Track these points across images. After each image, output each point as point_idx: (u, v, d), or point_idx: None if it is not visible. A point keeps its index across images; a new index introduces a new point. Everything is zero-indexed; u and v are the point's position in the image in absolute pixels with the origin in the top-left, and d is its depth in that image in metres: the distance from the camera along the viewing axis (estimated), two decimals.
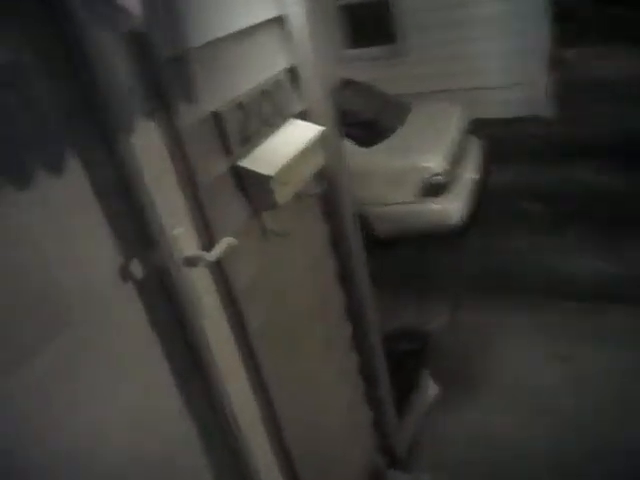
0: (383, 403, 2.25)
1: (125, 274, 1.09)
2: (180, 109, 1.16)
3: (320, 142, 1.59)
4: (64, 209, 0.97)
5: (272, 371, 1.48)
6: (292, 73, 1.59)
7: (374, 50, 6.56)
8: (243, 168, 1.35)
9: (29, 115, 0.91)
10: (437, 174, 4.02)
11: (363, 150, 4.29)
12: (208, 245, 1.23)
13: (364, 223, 4.34)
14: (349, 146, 4.21)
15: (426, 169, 4.03)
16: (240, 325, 1.36)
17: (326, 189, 1.77)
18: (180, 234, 1.14)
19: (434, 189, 4.06)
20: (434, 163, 4.05)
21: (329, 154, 1.69)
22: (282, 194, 1.40)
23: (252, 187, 1.37)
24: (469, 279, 3.97)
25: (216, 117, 1.29)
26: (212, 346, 1.25)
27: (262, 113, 1.45)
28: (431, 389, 2.81)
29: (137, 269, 1.11)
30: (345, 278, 1.95)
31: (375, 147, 4.33)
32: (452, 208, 4.10)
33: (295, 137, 1.53)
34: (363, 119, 4.59)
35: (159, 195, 1.10)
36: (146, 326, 1.14)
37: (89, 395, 1.01)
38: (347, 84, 4.95)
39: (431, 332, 3.40)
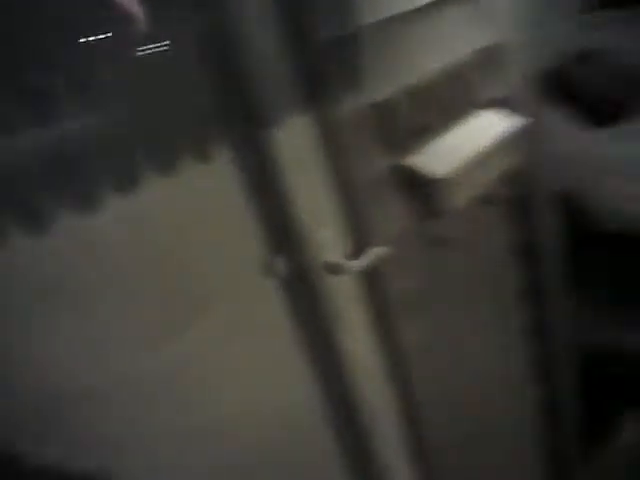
0: (566, 447, 1.91)
1: (268, 270, 1.03)
2: (339, 98, 1.04)
3: (515, 138, 1.33)
4: (210, 198, 0.94)
5: (424, 396, 1.32)
6: (486, 54, 1.35)
7: (627, 13, 5.54)
8: (408, 167, 1.18)
9: (177, 100, 0.88)
10: None
11: (598, 132, 3.66)
12: (357, 252, 1.11)
13: (579, 212, 3.76)
14: (578, 129, 3.64)
15: None
16: (388, 342, 1.23)
17: (517, 193, 1.50)
18: (325, 237, 1.04)
19: None
20: None
21: (526, 152, 1.41)
22: (453, 200, 1.20)
23: (417, 189, 1.20)
24: None
25: (383, 107, 1.14)
26: (352, 361, 1.14)
27: (443, 102, 1.25)
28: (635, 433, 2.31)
29: (281, 267, 1.05)
30: (531, 294, 1.66)
31: (616, 130, 3.66)
32: None
33: (482, 131, 1.30)
34: (604, 97, 3.92)
35: (307, 193, 1.00)
36: (285, 326, 1.08)
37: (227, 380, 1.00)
38: (586, 56, 4.27)
39: None
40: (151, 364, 0.89)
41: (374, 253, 1.07)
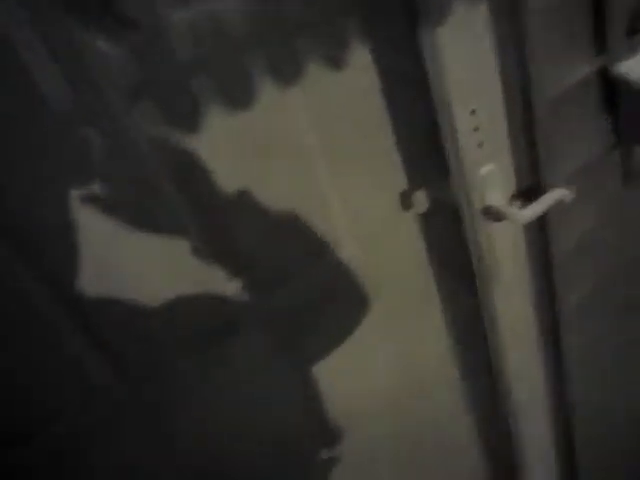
0: None
1: (406, 203, 0.82)
2: None
3: None
4: (340, 120, 0.72)
5: (580, 363, 1.09)
6: None
7: None
8: (620, 77, 0.84)
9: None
10: None
11: None
12: (531, 193, 0.85)
13: None
14: None
15: None
16: (550, 300, 0.99)
17: None
18: (489, 174, 0.79)
19: None
20: None
21: None
22: None
23: (628, 109, 0.87)
24: None
25: None
26: (502, 322, 0.93)
27: None
28: None
29: (422, 201, 0.83)
30: None
31: None
32: None
33: None
34: None
35: (467, 114, 0.74)
36: (424, 268, 0.89)
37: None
38: None
39: None
40: None
41: (549, 200, 0.80)
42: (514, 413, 1.07)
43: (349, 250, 0.79)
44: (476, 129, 0.75)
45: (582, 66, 0.84)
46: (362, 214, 0.79)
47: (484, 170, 0.78)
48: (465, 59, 0.71)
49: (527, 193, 0.85)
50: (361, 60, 0.69)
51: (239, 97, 0.63)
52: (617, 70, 0.84)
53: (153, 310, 0.66)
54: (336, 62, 0.68)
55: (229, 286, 0.72)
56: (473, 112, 0.74)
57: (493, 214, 0.80)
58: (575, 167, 0.90)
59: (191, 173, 0.63)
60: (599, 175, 0.96)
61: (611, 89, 0.86)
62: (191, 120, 0.61)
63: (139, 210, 0.62)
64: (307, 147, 0.70)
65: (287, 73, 0.65)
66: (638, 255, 1.09)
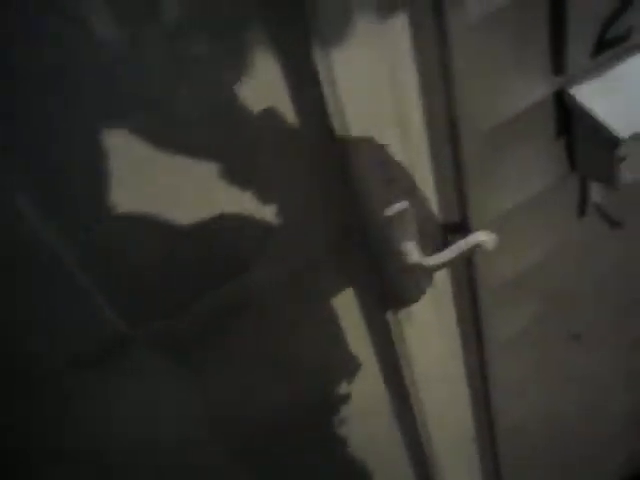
0: None
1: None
2: None
3: None
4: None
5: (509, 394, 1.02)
6: None
7: None
8: (575, 102, 0.71)
9: None
10: None
11: None
12: (457, 232, 0.73)
13: None
14: None
15: None
16: (477, 338, 0.90)
17: None
18: (399, 214, 0.67)
19: None
20: None
21: None
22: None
23: (582, 142, 0.74)
24: None
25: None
26: (418, 361, 0.85)
27: None
28: None
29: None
30: None
31: None
32: None
33: None
34: None
35: (372, 147, 0.62)
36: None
37: None
38: None
39: None
40: None
41: (467, 244, 0.68)
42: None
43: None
44: (384, 164, 0.64)
45: (534, 89, 0.70)
46: None
47: (394, 209, 0.67)
48: (367, 84, 0.58)
49: (454, 232, 0.74)
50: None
51: None
52: (573, 94, 0.70)
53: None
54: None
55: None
56: (381, 145, 0.62)
57: (401, 258, 0.69)
58: (520, 200, 0.78)
59: None
60: (549, 207, 0.84)
61: (567, 114, 0.73)
62: None
63: None
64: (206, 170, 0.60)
65: None
66: (579, 288, 0.98)
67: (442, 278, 0.79)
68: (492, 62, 0.66)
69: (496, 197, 0.74)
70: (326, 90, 0.57)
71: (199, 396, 0.78)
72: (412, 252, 0.68)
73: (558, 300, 0.97)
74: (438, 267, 0.68)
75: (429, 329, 0.82)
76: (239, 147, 0.58)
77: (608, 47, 0.70)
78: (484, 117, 0.67)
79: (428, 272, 0.73)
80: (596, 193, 0.83)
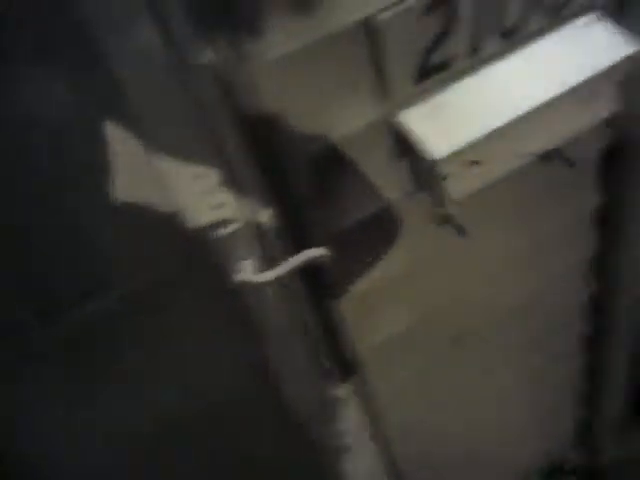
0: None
1: None
2: (282, 25, 0.61)
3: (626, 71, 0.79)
4: None
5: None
6: None
7: None
8: (401, 126, 0.75)
9: None
10: None
11: None
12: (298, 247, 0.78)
13: None
14: None
15: None
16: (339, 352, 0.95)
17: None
18: (231, 236, 0.72)
19: None
20: None
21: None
22: (470, 182, 0.77)
23: (414, 162, 0.78)
24: None
25: (368, 30, 0.68)
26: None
27: (501, 8, 0.73)
28: None
29: None
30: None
31: None
32: None
33: (556, 62, 0.77)
34: None
35: (187, 176, 0.66)
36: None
37: None
38: None
39: None
40: None
41: (299, 259, 0.73)
42: None
43: None
44: (208, 191, 0.68)
45: (364, 115, 0.74)
46: None
47: (224, 231, 0.71)
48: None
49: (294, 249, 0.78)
50: None
51: None
52: (399, 119, 0.74)
53: None
54: None
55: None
56: (198, 175, 0.66)
57: (235, 276, 0.74)
58: (362, 216, 0.82)
59: None
60: (406, 219, 0.89)
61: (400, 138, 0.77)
62: None
63: None
64: None
65: None
66: (452, 292, 1.03)
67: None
68: (316, 90, 0.70)
69: (335, 215, 0.78)
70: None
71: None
72: (245, 270, 0.72)
73: (433, 306, 1.02)
74: (270, 283, 0.72)
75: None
76: None
77: (432, 73, 0.73)
78: (312, 141, 0.71)
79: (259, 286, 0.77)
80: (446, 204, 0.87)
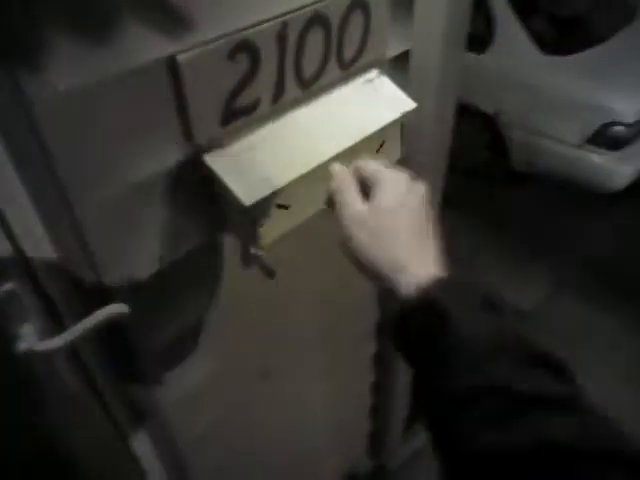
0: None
1: None
2: (69, 60, 0.53)
3: (403, 123, 0.88)
4: None
5: None
6: None
7: None
8: (208, 169, 0.72)
9: None
10: (621, 124, 2.93)
11: (547, 59, 3.18)
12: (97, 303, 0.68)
13: (499, 142, 3.47)
14: (530, 49, 3.16)
15: (609, 112, 2.94)
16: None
17: None
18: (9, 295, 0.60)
19: (608, 141, 3.01)
20: (623, 107, 2.93)
21: (418, 140, 0.97)
22: (279, 227, 0.77)
23: (224, 206, 0.76)
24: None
25: (170, 70, 0.64)
26: None
27: (300, 59, 0.75)
28: None
29: None
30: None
31: (562, 58, 3.18)
32: (622, 171, 3.06)
33: (351, 112, 0.83)
34: (565, 13, 3.36)
35: None
36: None
37: None
38: None
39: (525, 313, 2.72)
40: None
41: (85, 325, 0.64)
42: None
43: None
44: None
45: (166, 156, 0.69)
46: None
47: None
48: None
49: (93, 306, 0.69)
50: None
51: None
52: (205, 161, 0.71)
53: None
54: None
55: None
56: None
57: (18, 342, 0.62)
58: (172, 259, 0.76)
59: None
60: (209, 262, 0.85)
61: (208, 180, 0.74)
62: None
63: None
64: None
65: None
66: (258, 328, 1.03)
67: None
68: (116, 128, 0.63)
69: (136, 262, 0.71)
70: None
71: None
72: (27, 336, 0.61)
73: (238, 344, 1.00)
74: (57, 351, 0.62)
75: None
76: None
77: (238, 116, 0.72)
78: (104, 184, 0.63)
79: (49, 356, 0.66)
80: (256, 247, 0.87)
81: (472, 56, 3.24)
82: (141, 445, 0.96)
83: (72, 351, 0.71)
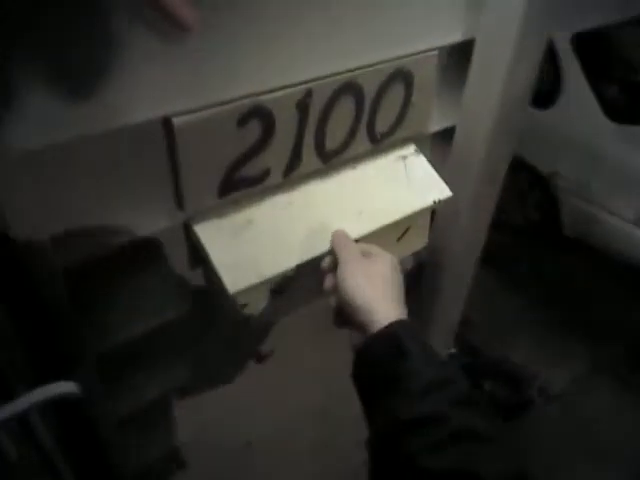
0: None
1: None
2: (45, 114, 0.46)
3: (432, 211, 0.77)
4: None
5: None
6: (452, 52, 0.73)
7: None
8: (198, 240, 0.63)
9: None
10: None
11: (614, 126, 2.98)
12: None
13: (550, 204, 3.28)
14: (597, 114, 2.98)
15: None
16: None
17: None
18: None
19: None
20: None
21: (450, 230, 0.86)
22: (272, 310, 0.67)
23: (211, 273, 0.67)
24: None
25: (165, 131, 0.55)
26: None
27: (323, 129, 0.66)
28: None
29: None
30: None
31: (630, 128, 2.97)
32: None
33: (376, 192, 0.73)
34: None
35: None
36: None
37: None
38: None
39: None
40: None
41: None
42: None
43: None
44: None
45: (157, 221, 0.61)
46: None
47: None
48: None
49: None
50: None
51: None
52: (197, 231, 0.63)
53: None
54: None
55: None
56: None
57: None
58: (148, 329, 0.68)
59: None
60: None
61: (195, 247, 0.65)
62: None
63: None
64: None
65: None
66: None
67: None
68: (103, 190, 0.55)
69: (102, 335, 0.63)
70: None
71: None
72: None
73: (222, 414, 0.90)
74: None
75: None
76: None
77: (241, 187, 0.63)
78: (75, 250, 0.55)
79: None
80: None
81: (532, 110, 3.09)
82: None
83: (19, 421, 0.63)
